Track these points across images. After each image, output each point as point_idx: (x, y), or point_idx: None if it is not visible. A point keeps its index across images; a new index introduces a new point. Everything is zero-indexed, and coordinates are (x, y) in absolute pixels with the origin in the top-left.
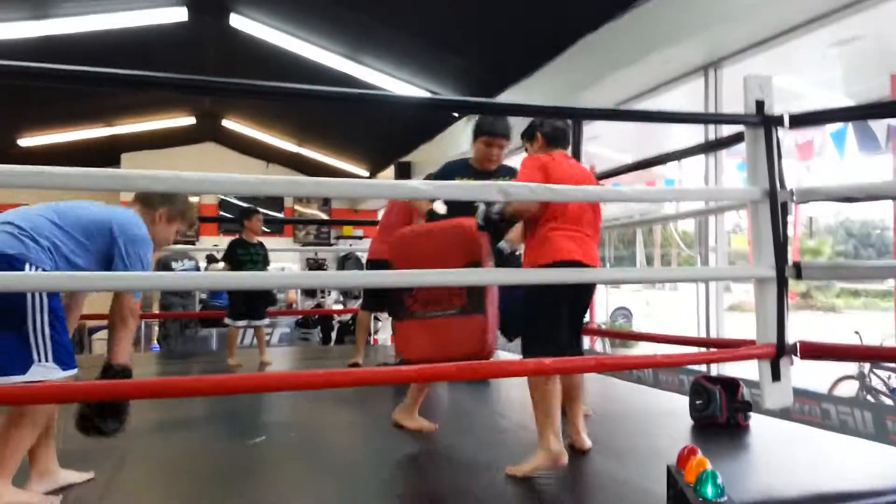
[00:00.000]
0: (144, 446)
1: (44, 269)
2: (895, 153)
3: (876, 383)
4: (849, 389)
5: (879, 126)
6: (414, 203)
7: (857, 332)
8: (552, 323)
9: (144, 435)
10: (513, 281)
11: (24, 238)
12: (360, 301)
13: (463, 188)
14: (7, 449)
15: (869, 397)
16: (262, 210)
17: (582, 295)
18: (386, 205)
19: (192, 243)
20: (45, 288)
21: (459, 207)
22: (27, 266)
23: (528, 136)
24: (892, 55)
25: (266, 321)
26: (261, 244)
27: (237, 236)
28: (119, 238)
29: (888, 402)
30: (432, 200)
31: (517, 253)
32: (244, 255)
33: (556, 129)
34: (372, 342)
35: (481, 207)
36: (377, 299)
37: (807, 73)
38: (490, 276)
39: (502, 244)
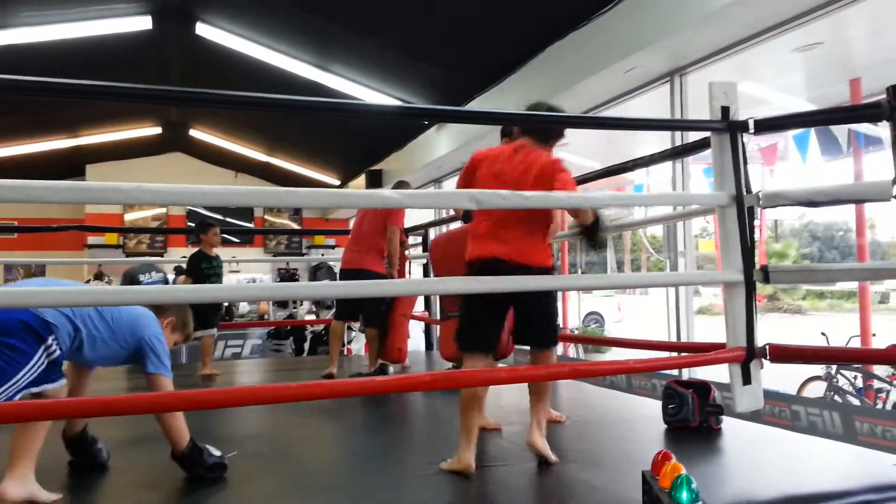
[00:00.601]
0: (114, 462)
1: (60, 349)
2: (856, 157)
3: (843, 384)
4: (817, 390)
5: (841, 131)
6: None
7: (823, 334)
8: (472, 322)
9: (114, 450)
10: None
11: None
12: (332, 311)
13: (434, 196)
14: (27, 441)
15: (836, 397)
16: (231, 220)
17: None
18: (356, 214)
19: (161, 255)
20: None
21: None
22: (51, 339)
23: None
24: (851, 61)
25: (212, 331)
26: (217, 257)
27: (197, 250)
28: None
29: (855, 402)
30: None
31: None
32: (208, 269)
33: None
34: (346, 352)
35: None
36: (351, 309)
37: (769, 79)
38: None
39: None
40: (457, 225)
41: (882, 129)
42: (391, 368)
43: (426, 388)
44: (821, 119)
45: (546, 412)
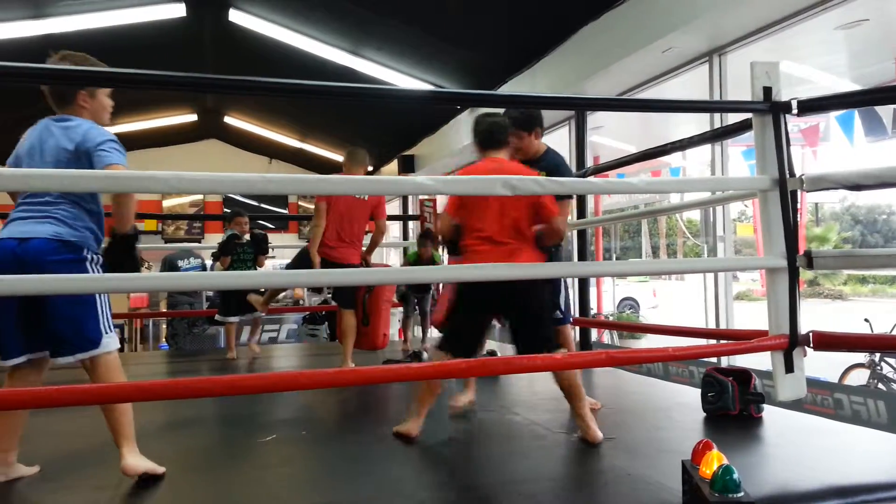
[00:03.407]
0: (157, 446)
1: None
2: None
3: (887, 371)
4: (860, 378)
5: (886, 111)
6: None
7: (867, 320)
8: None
9: (155, 434)
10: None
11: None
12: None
13: (467, 183)
14: (124, 417)
15: (880, 385)
16: (266, 206)
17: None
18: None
19: (199, 241)
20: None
21: None
22: (85, 251)
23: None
24: None
25: (259, 313)
26: (250, 243)
27: (231, 232)
28: (92, 151)
29: None
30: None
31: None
32: (240, 252)
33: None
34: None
35: None
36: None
37: (811, 58)
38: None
39: None
40: None
41: None
42: (425, 354)
43: (462, 375)
44: (866, 99)
45: (585, 405)
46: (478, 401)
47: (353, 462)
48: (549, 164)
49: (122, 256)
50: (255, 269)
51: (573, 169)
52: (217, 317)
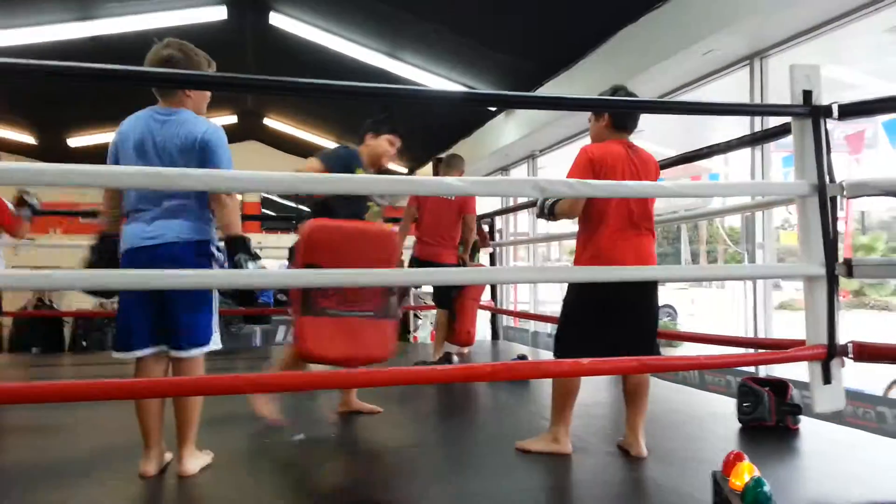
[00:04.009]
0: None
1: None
2: None
3: None
4: None
5: None
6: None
7: None
8: (585, 329)
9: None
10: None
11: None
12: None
13: (494, 184)
14: (194, 415)
15: None
16: (303, 207)
17: (638, 299)
18: (425, 203)
19: None
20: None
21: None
22: (211, 247)
23: (595, 115)
24: None
25: None
26: None
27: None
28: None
29: None
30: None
31: None
32: None
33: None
34: (412, 340)
35: (539, 200)
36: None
37: (859, 62)
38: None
39: None
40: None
41: None
42: (455, 358)
43: (488, 379)
44: None
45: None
46: (509, 405)
47: (384, 465)
48: None
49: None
50: None
51: None
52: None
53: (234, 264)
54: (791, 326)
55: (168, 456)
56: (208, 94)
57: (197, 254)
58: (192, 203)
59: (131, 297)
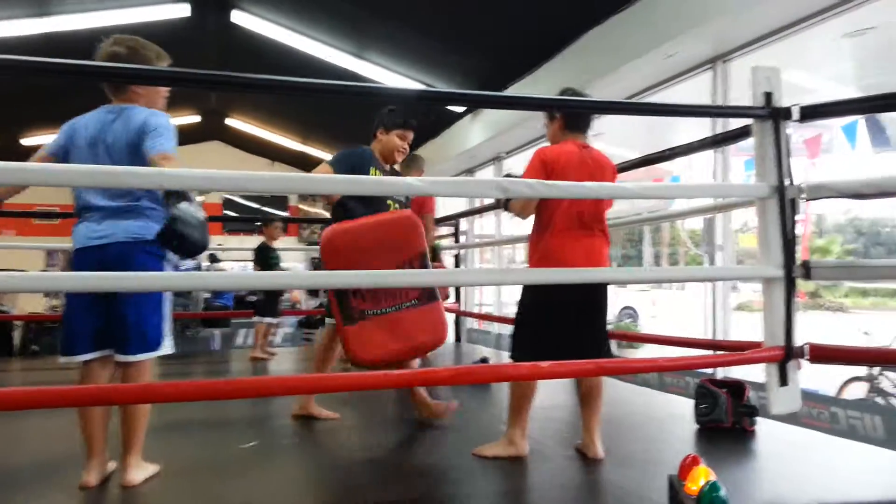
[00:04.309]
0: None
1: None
2: None
3: (886, 385)
4: (858, 391)
5: (892, 121)
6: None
7: (866, 333)
8: (539, 330)
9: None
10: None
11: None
12: None
13: (458, 185)
14: (141, 424)
15: (879, 399)
16: (267, 209)
17: (588, 299)
18: None
19: None
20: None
21: (370, 200)
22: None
23: (549, 117)
24: None
25: (270, 319)
26: (276, 248)
27: (262, 241)
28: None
29: None
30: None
31: None
32: (273, 259)
33: (575, 111)
34: None
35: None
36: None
37: (818, 67)
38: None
39: None
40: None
41: None
42: (418, 360)
43: (447, 383)
44: (870, 106)
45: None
46: (470, 409)
47: (339, 469)
48: None
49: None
50: None
51: None
52: (256, 317)
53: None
54: (749, 328)
55: (111, 466)
56: (162, 90)
57: (147, 253)
58: (144, 202)
59: (77, 298)
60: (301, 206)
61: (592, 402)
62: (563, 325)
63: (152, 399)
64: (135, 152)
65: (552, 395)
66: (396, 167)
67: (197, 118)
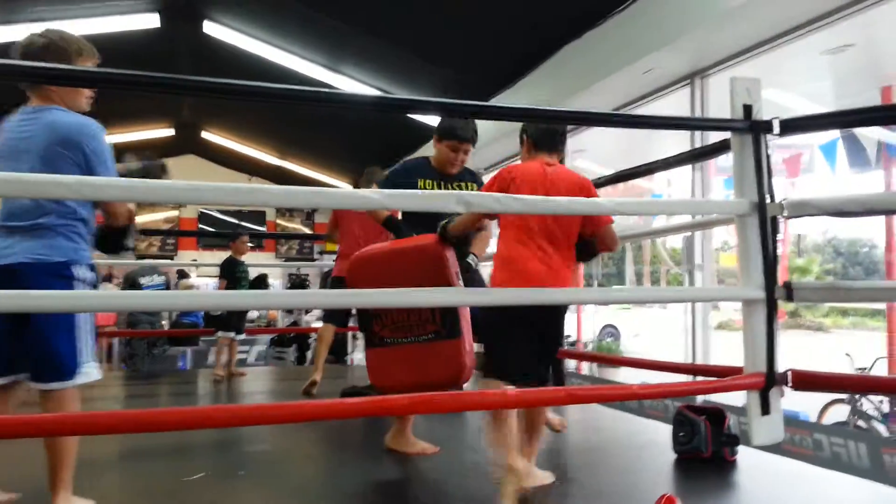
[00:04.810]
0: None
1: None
2: (886, 169)
3: (867, 408)
4: (840, 413)
5: (870, 142)
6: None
7: (847, 355)
8: (504, 349)
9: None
10: (482, 302)
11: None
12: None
13: (419, 198)
14: (67, 457)
15: (860, 422)
16: (245, 223)
17: (543, 320)
18: (343, 218)
19: (171, 258)
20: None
21: (420, 214)
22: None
23: (520, 139)
24: (883, 66)
25: (231, 334)
26: (244, 262)
27: (228, 255)
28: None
29: (881, 428)
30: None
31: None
32: (240, 273)
33: (541, 131)
34: (349, 362)
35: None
36: (343, 314)
37: (794, 85)
38: (458, 296)
39: (471, 258)
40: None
41: None
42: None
43: (403, 412)
44: (853, 120)
45: (536, 447)
46: (439, 437)
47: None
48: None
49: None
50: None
51: None
52: (219, 333)
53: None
54: (729, 348)
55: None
56: (85, 90)
57: (50, 274)
58: (53, 218)
59: None
60: (279, 222)
61: (530, 431)
62: (515, 338)
63: (65, 431)
64: (50, 162)
65: None
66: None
67: (171, 131)
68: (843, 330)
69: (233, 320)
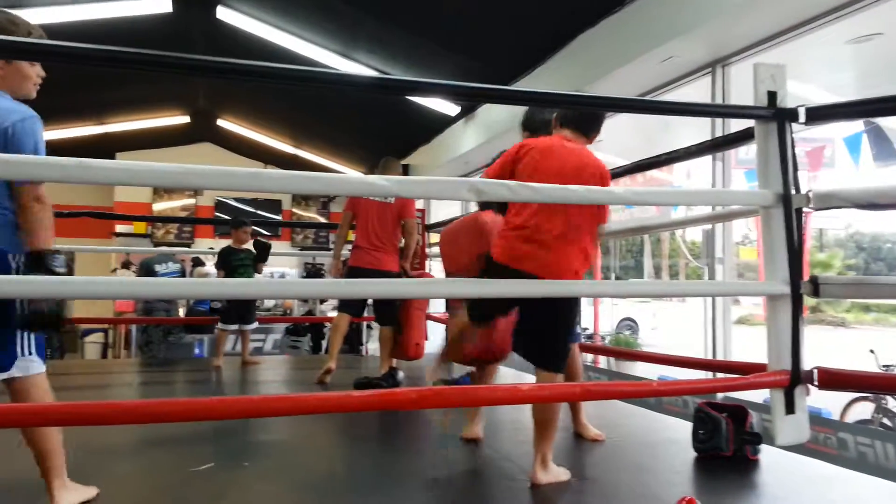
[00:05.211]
0: (73, 474)
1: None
2: None
3: (893, 405)
4: (864, 411)
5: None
6: None
7: (872, 351)
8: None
9: (80, 458)
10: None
11: None
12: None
13: (426, 185)
14: (50, 443)
15: (885, 420)
16: (261, 212)
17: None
18: (361, 207)
19: (188, 245)
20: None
21: None
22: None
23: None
24: None
25: (254, 325)
26: (248, 251)
27: (227, 244)
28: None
29: None
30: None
31: None
32: (236, 261)
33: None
34: (364, 352)
35: None
36: (357, 304)
37: (816, 76)
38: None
39: None
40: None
41: None
42: (401, 373)
43: (412, 407)
44: (881, 108)
45: (549, 444)
46: (450, 429)
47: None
48: None
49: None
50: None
51: None
52: (219, 325)
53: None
54: (749, 343)
55: None
56: (30, 72)
57: None
58: None
59: None
60: (295, 211)
61: (536, 426)
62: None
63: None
64: None
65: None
66: None
67: (186, 119)
68: (866, 326)
69: (232, 313)
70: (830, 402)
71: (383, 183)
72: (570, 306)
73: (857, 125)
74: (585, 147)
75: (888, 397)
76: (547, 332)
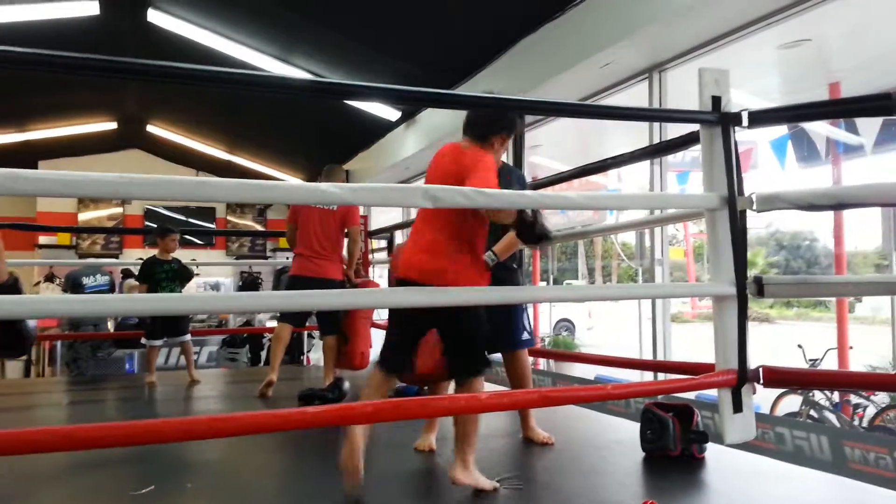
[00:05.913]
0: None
1: None
2: (835, 165)
3: (819, 398)
4: (792, 404)
5: (820, 137)
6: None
7: (800, 346)
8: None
9: (8, 486)
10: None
11: None
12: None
13: (380, 192)
14: None
15: (812, 412)
16: (193, 220)
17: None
18: (301, 214)
19: (116, 257)
20: None
21: None
22: None
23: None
24: (832, 63)
25: (188, 336)
26: (176, 260)
27: (152, 255)
28: None
29: (832, 417)
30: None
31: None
32: (160, 273)
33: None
34: (305, 362)
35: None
36: (300, 314)
37: (744, 82)
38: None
39: (487, 255)
40: None
41: (863, 138)
42: (347, 384)
43: (367, 420)
44: (821, 112)
45: (471, 446)
46: (402, 439)
47: None
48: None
49: None
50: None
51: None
52: (143, 339)
53: None
54: (682, 341)
55: None
56: None
57: None
58: None
59: None
60: (230, 218)
61: (457, 428)
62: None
63: None
64: None
65: (492, 421)
66: None
67: (113, 125)
68: (789, 321)
69: (157, 326)
70: (759, 397)
71: (335, 191)
72: (470, 311)
73: (782, 129)
74: (468, 146)
75: (815, 391)
76: (458, 341)
